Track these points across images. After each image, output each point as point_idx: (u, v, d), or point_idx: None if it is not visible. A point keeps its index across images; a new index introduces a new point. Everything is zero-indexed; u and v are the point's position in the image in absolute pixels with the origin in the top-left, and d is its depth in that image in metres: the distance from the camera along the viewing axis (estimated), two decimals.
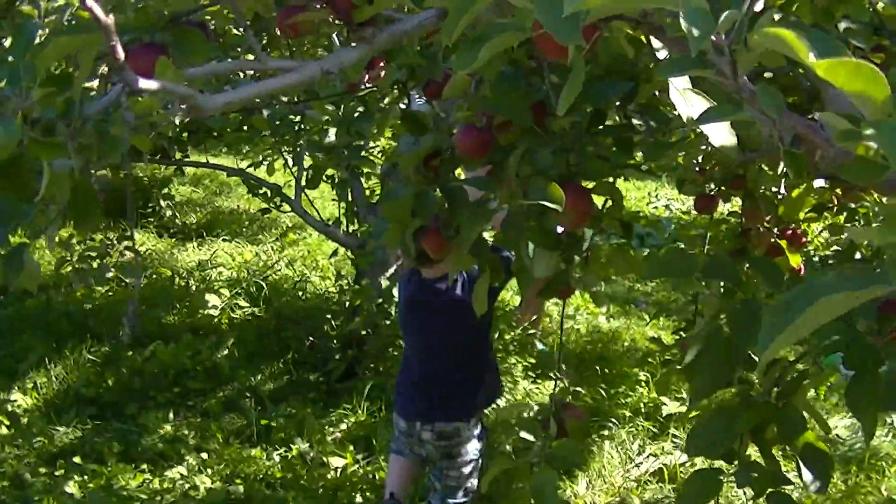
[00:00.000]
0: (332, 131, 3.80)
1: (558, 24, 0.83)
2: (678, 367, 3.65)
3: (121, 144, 1.46)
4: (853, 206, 3.42)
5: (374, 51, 1.44)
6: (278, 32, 1.98)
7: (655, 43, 1.64)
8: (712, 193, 3.18)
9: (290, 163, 5.99)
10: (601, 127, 2.12)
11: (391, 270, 5.82)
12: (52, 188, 1.40)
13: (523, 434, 2.13)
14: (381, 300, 5.67)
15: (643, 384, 5.78)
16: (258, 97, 1.27)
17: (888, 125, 0.65)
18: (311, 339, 5.92)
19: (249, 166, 6.01)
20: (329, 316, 5.96)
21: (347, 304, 5.79)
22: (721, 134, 1.00)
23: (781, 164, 2.68)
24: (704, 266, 1.73)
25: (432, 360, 3.69)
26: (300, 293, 6.99)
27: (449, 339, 3.63)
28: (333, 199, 5.89)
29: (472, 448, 3.61)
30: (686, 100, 1.03)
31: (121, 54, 1.20)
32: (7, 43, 1.35)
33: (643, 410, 5.37)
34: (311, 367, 5.77)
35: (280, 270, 7.68)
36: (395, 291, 4.93)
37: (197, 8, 2.23)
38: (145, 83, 1.25)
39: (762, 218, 2.94)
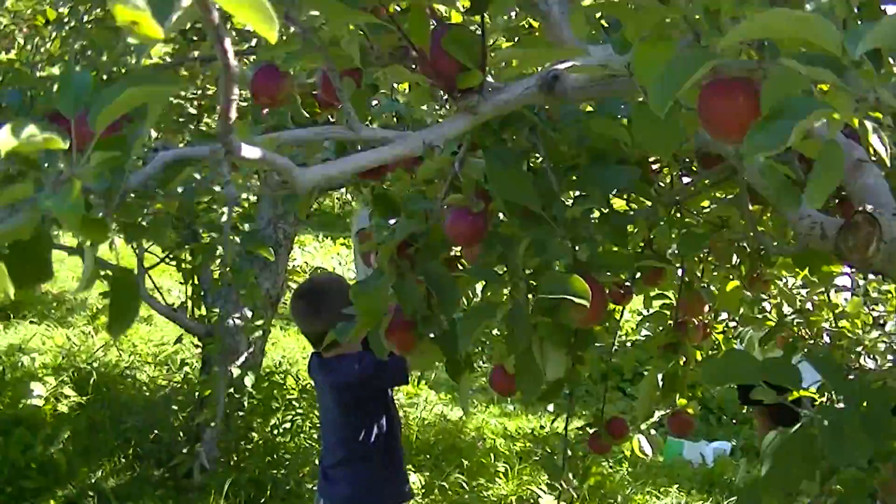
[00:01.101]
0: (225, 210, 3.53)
1: None
2: None
3: (166, 226, 1.21)
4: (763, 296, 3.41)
5: (479, 122, 1.24)
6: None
7: None
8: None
9: (121, 243, 5.63)
10: (601, 215, 1.99)
11: (241, 359, 5.51)
12: (93, 278, 1.13)
13: None
14: (231, 390, 5.34)
15: (501, 475, 5.65)
16: (355, 171, 1.05)
17: None
18: (155, 431, 5.51)
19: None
20: (176, 407, 5.56)
21: (197, 394, 5.42)
22: None
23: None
24: (766, 368, 1.60)
25: (325, 436, 3.59)
26: (132, 381, 6.53)
27: (336, 418, 3.46)
28: (180, 283, 5.54)
29: None
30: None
31: (234, 115, 0.97)
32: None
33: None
34: (155, 462, 5.35)
35: (104, 356, 7.19)
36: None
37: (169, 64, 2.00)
38: (249, 151, 1.02)
39: (701, 310, 2.84)
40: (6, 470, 4.94)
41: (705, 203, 2.57)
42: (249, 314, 5.43)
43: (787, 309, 3.53)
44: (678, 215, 2.46)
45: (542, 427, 6.79)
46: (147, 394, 6.30)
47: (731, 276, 2.92)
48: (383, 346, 2.04)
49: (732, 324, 3.72)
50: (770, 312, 3.52)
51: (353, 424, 3.35)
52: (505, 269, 1.92)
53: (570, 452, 3.42)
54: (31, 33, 5.37)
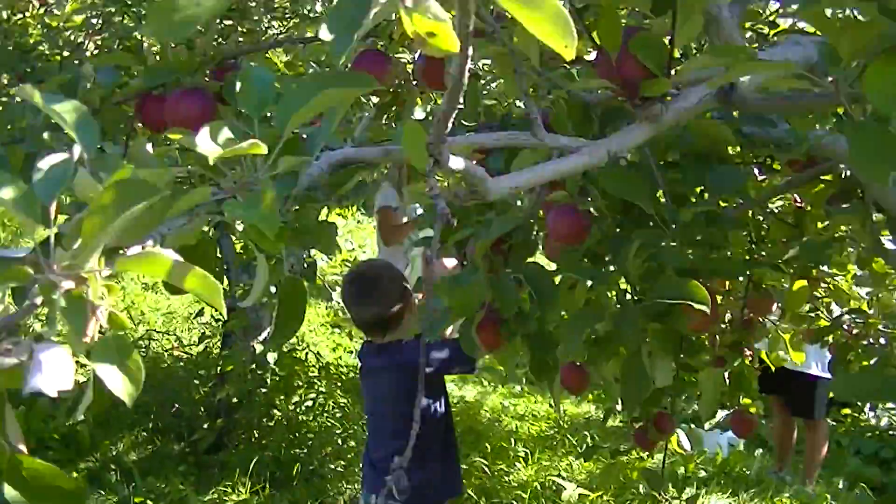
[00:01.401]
0: None
1: None
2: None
3: (334, 233, 1.14)
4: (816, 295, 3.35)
5: (658, 130, 1.18)
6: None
7: None
8: None
9: None
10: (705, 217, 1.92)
11: (264, 335, 5.44)
12: (266, 288, 1.07)
13: None
14: (253, 366, 5.28)
15: (521, 460, 5.60)
16: (540, 182, 1.00)
17: None
18: (175, 405, 5.44)
19: None
20: (197, 381, 5.50)
21: (218, 368, 5.35)
22: None
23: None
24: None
25: (377, 425, 3.40)
26: (146, 352, 6.46)
27: (394, 405, 3.31)
28: None
29: None
30: None
31: (449, 123, 0.90)
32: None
33: (539, 491, 5.15)
34: (176, 437, 5.29)
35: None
36: None
37: (250, 49, 1.93)
38: (456, 162, 0.96)
39: (769, 309, 2.79)
40: (30, 441, 4.85)
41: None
42: (273, 289, 5.35)
43: (835, 308, 3.47)
44: (749, 214, 2.41)
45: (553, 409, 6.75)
46: (164, 366, 6.23)
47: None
48: (474, 343, 1.99)
49: None
50: (821, 311, 3.46)
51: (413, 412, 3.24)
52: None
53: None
54: None
